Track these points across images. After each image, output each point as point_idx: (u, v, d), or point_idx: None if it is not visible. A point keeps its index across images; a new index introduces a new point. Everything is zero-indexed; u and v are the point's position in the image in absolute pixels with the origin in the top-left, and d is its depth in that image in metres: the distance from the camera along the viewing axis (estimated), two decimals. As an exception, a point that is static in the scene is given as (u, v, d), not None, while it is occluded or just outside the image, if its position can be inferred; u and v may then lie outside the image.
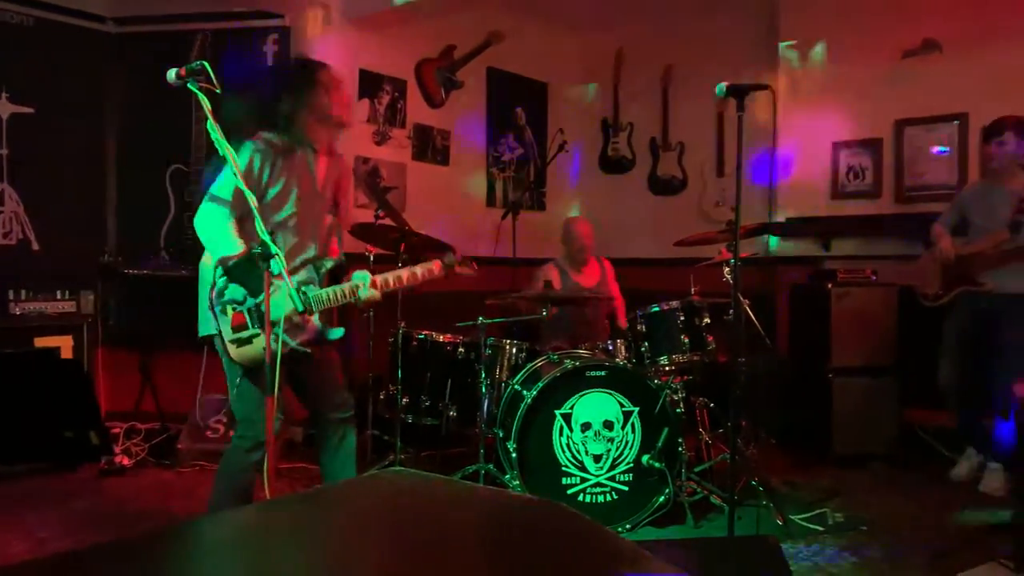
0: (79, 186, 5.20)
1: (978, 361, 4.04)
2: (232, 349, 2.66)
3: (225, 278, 2.62)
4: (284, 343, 2.53)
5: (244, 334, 2.65)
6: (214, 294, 2.64)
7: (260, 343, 2.65)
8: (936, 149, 5.08)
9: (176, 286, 4.59)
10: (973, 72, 4.89)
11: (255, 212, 2.32)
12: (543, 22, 6.39)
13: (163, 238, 5.23)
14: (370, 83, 5.34)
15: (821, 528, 3.51)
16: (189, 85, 2.34)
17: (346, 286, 2.83)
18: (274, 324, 2.49)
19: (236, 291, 2.63)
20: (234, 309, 2.64)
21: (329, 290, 2.81)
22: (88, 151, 5.24)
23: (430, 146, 5.75)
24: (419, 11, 4.98)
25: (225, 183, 2.65)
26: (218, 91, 2.32)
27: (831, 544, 3.33)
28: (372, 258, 4.37)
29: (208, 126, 2.41)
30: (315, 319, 2.77)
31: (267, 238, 2.28)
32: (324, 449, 3.03)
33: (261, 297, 2.60)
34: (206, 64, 2.36)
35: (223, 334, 2.66)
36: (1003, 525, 3.31)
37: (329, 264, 2.91)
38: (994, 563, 3.03)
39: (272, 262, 2.28)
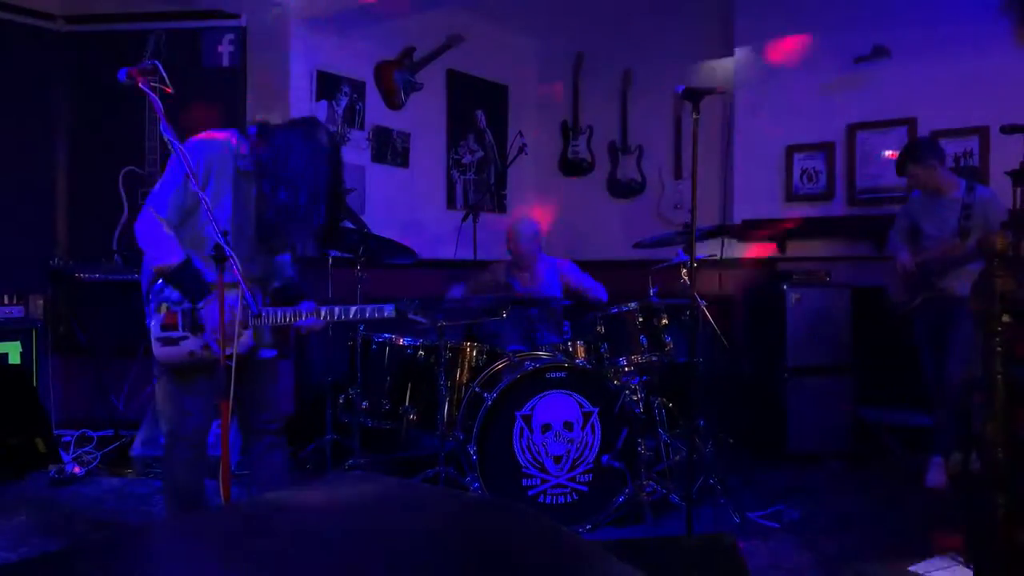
0: (27, 188, 5.06)
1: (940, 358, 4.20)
2: (155, 346, 2.59)
3: (162, 281, 2.59)
4: (210, 349, 2.53)
5: (173, 334, 2.58)
6: (152, 288, 2.59)
7: (185, 347, 2.59)
8: (887, 153, 5.19)
9: (129, 291, 4.50)
10: (921, 78, 5.02)
11: (209, 214, 2.29)
12: (503, 25, 6.41)
13: (116, 241, 5.12)
14: (328, 84, 5.29)
15: (778, 525, 3.56)
16: (141, 85, 2.31)
17: (290, 311, 2.70)
18: (203, 330, 2.50)
19: (173, 291, 2.58)
20: (169, 308, 2.58)
21: (272, 310, 2.69)
22: (37, 152, 5.10)
23: (389, 148, 5.72)
24: (378, 11, 4.95)
25: (164, 188, 2.60)
26: (170, 91, 2.29)
27: (788, 541, 3.38)
28: (331, 261, 4.34)
29: (160, 127, 2.38)
30: (248, 334, 2.65)
31: (221, 240, 2.25)
32: (250, 459, 2.97)
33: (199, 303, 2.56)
34: (158, 64, 2.33)
35: (151, 330, 2.59)
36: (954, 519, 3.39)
37: (276, 284, 2.81)
38: (945, 556, 3.11)
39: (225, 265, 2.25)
